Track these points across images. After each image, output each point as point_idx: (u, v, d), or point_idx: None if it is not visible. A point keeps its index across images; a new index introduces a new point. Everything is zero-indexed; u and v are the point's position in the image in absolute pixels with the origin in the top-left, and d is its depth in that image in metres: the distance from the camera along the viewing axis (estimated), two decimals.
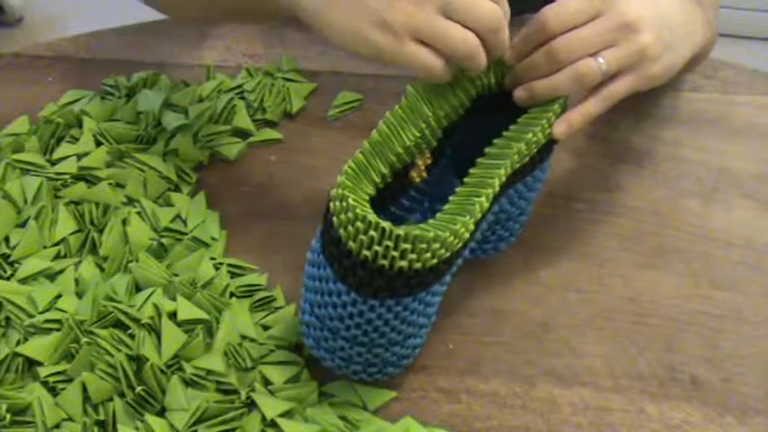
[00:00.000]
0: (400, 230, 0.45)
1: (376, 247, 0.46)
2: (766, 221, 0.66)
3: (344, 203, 0.46)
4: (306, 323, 0.53)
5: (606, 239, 0.65)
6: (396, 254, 0.46)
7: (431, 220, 0.48)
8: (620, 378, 0.56)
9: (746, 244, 0.64)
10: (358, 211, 0.45)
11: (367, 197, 0.49)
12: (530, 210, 0.60)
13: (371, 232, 0.45)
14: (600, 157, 0.71)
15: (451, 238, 0.47)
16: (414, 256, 0.46)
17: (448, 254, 0.48)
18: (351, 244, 0.46)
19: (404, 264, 0.46)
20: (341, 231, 0.47)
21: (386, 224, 0.45)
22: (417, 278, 0.47)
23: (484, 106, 0.56)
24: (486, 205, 0.50)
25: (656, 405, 0.54)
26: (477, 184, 0.50)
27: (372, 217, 0.45)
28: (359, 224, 0.45)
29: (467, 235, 0.49)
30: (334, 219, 0.47)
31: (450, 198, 0.49)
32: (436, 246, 0.46)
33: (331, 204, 0.48)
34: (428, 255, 0.46)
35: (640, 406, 0.54)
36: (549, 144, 0.55)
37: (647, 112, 0.76)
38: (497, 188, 0.51)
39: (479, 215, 0.50)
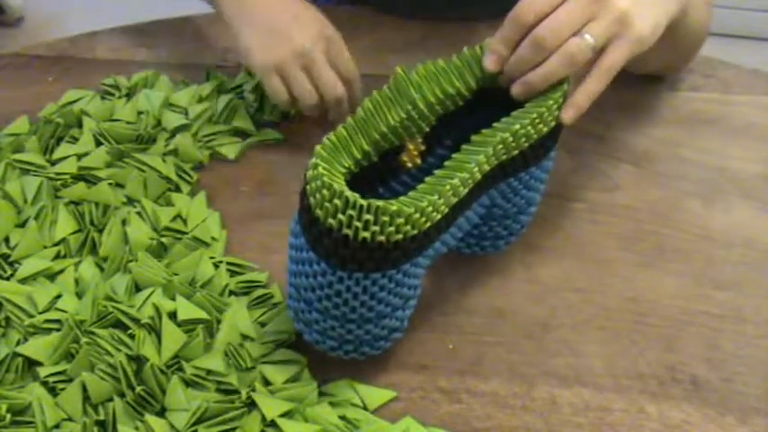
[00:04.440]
0: (363, 201, 0.46)
1: (340, 216, 0.46)
2: (766, 221, 0.66)
3: (315, 171, 0.47)
4: (288, 294, 0.53)
5: (606, 239, 0.65)
6: (359, 224, 0.46)
7: (401, 197, 0.48)
8: (620, 378, 0.56)
9: (747, 244, 0.64)
10: (325, 178, 0.46)
11: (344, 170, 0.50)
12: (532, 210, 0.60)
13: (336, 200, 0.46)
14: (599, 157, 0.71)
15: (417, 215, 0.47)
16: (376, 228, 0.47)
17: (415, 231, 0.48)
18: (318, 211, 0.47)
19: (367, 235, 0.47)
20: (311, 199, 0.48)
21: (350, 193, 0.46)
22: (382, 252, 0.48)
23: (488, 100, 0.56)
24: (462, 189, 0.50)
25: (656, 405, 0.54)
26: (454, 167, 0.50)
27: (338, 186, 0.46)
28: (325, 192, 0.46)
29: (436, 215, 0.49)
30: (307, 186, 0.48)
31: (426, 179, 0.50)
32: (400, 221, 0.47)
33: (307, 173, 0.49)
34: (392, 229, 0.47)
35: (640, 406, 0.54)
36: (547, 142, 0.55)
37: (646, 112, 0.76)
38: (477, 174, 0.51)
39: (452, 198, 0.50)
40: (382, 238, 0.47)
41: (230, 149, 0.72)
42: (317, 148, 0.49)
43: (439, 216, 0.50)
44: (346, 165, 0.50)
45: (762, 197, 0.68)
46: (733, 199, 0.68)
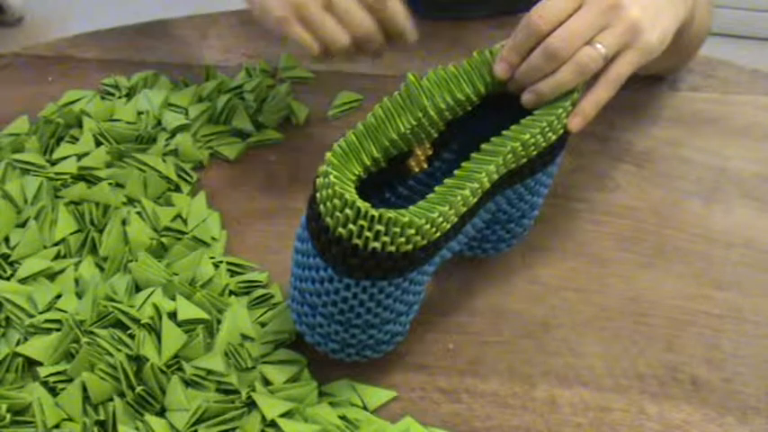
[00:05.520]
0: (375, 212, 0.46)
1: (351, 226, 0.46)
2: (766, 221, 0.66)
3: (326, 180, 0.47)
4: (292, 297, 0.53)
5: (606, 239, 0.65)
6: (369, 234, 0.46)
7: (411, 207, 0.48)
8: (620, 378, 0.56)
9: (747, 244, 0.64)
10: (337, 188, 0.46)
11: (354, 177, 0.50)
12: (534, 214, 0.60)
13: (347, 210, 0.46)
14: (600, 157, 0.71)
15: (427, 226, 0.47)
16: (387, 239, 0.46)
17: (424, 242, 0.48)
18: (328, 220, 0.47)
19: (377, 245, 0.47)
20: (321, 207, 0.48)
21: (362, 204, 0.46)
22: (391, 262, 0.48)
23: (495, 104, 0.56)
24: (472, 199, 0.50)
25: (656, 405, 0.54)
26: (464, 176, 0.50)
27: (350, 195, 0.46)
28: (336, 201, 0.46)
29: (446, 225, 0.49)
30: (317, 194, 0.48)
31: (436, 188, 0.49)
32: (411, 231, 0.47)
33: (317, 180, 0.48)
34: (402, 239, 0.47)
35: (640, 406, 0.54)
36: (554, 149, 0.55)
37: (646, 112, 0.76)
38: (486, 184, 0.51)
39: (462, 207, 0.50)
40: (392, 248, 0.47)
41: (230, 149, 0.72)
42: (328, 155, 0.48)
43: (448, 225, 0.50)
44: (356, 172, 0.50)
45: (762, 197, 0.68)
46: (733, 199, 0.68)
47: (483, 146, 0.52)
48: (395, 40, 0.63)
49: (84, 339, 0.55)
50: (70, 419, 0.53)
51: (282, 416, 0.52)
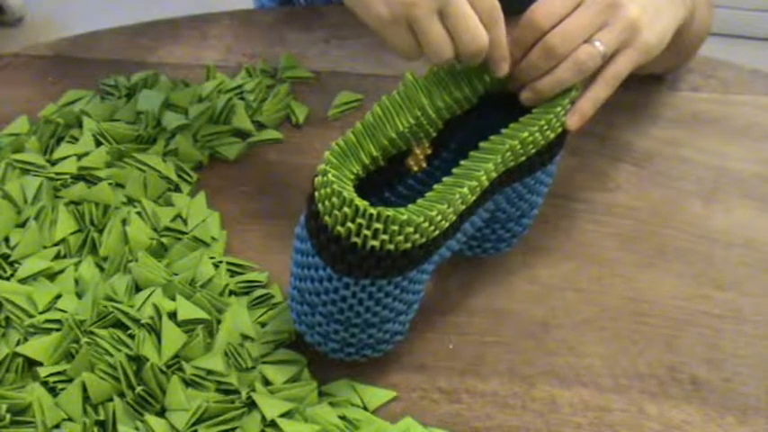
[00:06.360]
0: (373, 209, 0.46)
1: (349, 224, 0.46)
2: (766, 221, 0.66)
3: (325, 178, 0.47)
4: (291, 296, 0.53)
5: (606, 239, 0.65)
6: (368, 233, 0.46)
7: (410, 205, 0.48)
8: (620, 378, 0.56)
9: (747, 244, 0.64)
10: (335, 186, 0.46)
11: (353, 176, 0.50)
12: (533, 213, 0.60)
13: (345, 209, 0.46)
14: (600, 157, 0.71)
15: (426, 224, 0.47)
16: (386, 237, 0.46)
17: (423, 240, 0.48)
18: (326, 218, 0.47)
19: (376, 243, 0.47)
20: (319, 205, 0.48)
21: (360, 201, 0.46)
22: (390, 260, 0.48)
23: (493, 103, 0.56)
24: (471, 197, 0.50)
25: (656, 405, 0.54)
26: (462, 175, 0.50)
27: (348, 194, 0.46)
28: (335, 199, 0.46)
29: (445, 224, 0.49)
30: (316, 193, 0.48)
31: (435, 186, 0.49)
32: (409, 229, 0.47)
33: (315, 178, 0.49)
34: (401, 237, 0.47)
35: (640, 406, 0.54)
36: (553, 147, 0.55)
37: (647, 112, 0.76)
38: (485, 182, 0.51)
39: (461, 206, 0.50)
40: (391, 246, 0.47)
41: (230, 149, 0.72)
42: (326, 153, 0.49)
43: (447, 224, 0.50)
44: (355, 170, 0.50)
45: (762, 197, 0.68)
46: (733, 199, 0.68)
47: (482, 144, 0.52)
48: (487, 64, 0.55)
49: (84, 339, 0.55)
50: (70, 419, 0.53)
51: (282, 416, 0.52)
